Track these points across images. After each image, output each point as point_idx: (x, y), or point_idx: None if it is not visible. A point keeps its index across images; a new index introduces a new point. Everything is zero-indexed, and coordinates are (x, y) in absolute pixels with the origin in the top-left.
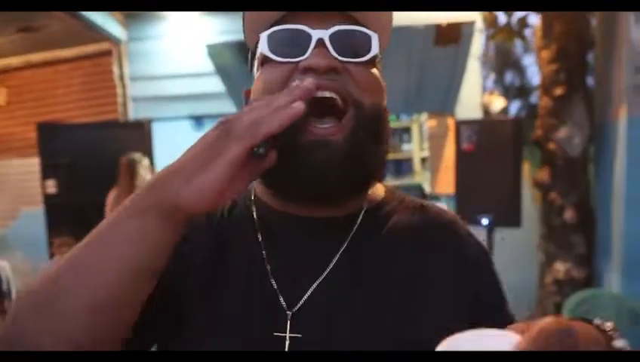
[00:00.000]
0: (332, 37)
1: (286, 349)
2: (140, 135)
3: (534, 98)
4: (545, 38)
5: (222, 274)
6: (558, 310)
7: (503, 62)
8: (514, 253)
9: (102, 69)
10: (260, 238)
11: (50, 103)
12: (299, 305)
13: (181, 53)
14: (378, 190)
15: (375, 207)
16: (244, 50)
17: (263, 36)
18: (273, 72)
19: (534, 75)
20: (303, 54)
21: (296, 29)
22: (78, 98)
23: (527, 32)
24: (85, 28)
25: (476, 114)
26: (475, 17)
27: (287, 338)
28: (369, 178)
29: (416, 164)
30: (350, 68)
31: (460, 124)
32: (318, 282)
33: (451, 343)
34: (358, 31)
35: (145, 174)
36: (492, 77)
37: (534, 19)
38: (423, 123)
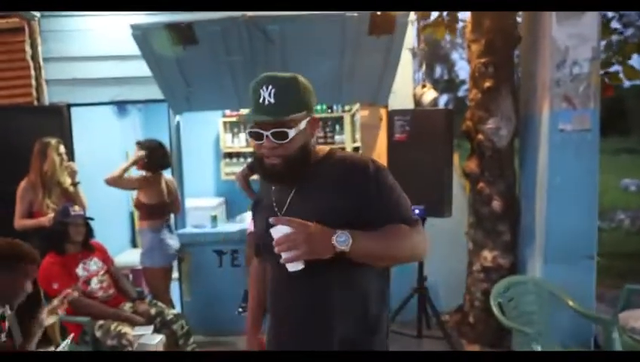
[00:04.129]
0: (272, 134)
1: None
2: (57, 120)
3: (461, 92)
4: (475, 33)
5: (263, 204)
6: (485, 296)
7: (432, 55)
8: (444, 241)
9: (11, 48)
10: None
11: None
12: (283, 211)
13: (102, 32)
14: (322, 151)
15: (315, 163)
16: (172, 31)
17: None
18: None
19: (461, 70)
20: (262, 140)
21: (257, 132)
22: None
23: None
24: None
25: (408, 105)
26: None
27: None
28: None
29: None
30: (281, 143)
31: (392, 114)
32: (288, 200)
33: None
34: (282, 132)
35: (59, 161)
36: (422, 69)
37: (465, 14)
38: (356, 113)
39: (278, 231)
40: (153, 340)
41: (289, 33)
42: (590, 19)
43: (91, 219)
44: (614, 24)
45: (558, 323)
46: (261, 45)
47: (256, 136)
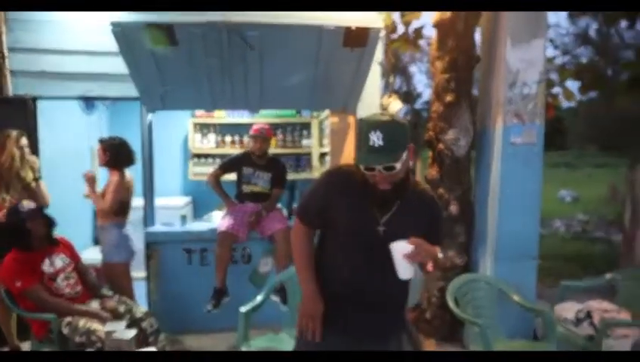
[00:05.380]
0: (383, 168)
1: (381, 234)
2: (21, 113)
3: (418, 104)
4: (439, 51)
5: (353, 204)
6: (441, 293)
7: (396, 68)
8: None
9: None
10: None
11: None
12: (384, 221)
13: (73, 25)
14: (412, 182)
15: (410, 189)
16: (152, 31)
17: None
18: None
19: (419, 83)
20: (374, 172)
21: (371, 167)
22: None
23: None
24: None
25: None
26: (380, 24)
27: (382, 230)
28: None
29: (315, 160)
30: (390, 173)
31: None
32: (390, 213)
33: (393, 245)
34: (390, 166)
35: (18, 154)
36: (390, 81)
37: (430, 30)
38: (324, 120)
39: (402, 247)
40: (127, 335)
41: (268, 40)
42: (538, 46)
43: (41, 210)
44: (551, 52)
45: (505, 316)
46: (239, 50)
47: (370, 169)
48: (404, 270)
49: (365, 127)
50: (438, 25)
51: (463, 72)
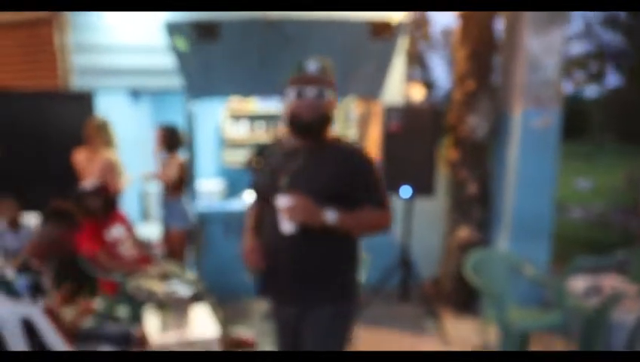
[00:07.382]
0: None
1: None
2: (82, 106)
3: (438, 92)
4: (461, 41)
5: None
6: (459, 268)
7: (417, 57)
8: (428, 220)
9: (40, 37)
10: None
11: None
12: (290, 175)
13: (126, 26)
14: (332, 137)
15: (327, 142)
16: (199, 28)
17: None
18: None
19: (439, 71)
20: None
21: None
22: (16, 68)
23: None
24: None
25: (399, 100)
26: (404, 17)
27: (286, 183)
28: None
29: None
30: (318, 102)
31: (388, 109)
32: (297, 167)
33: (279, 198)
34: (321, 92)
35: (104, 138)
36: (414, 69)
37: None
38: (350, 106)
39: (283, 201)
40: (186, 293)
41: (303, 33)
42: (557, 33)
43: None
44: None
45: (519, 288)
46: (276, 42)
47: (299, 96)
48: (284, 225)
49: (300, 63)
50: (462, 15)
51: (483, 60)
